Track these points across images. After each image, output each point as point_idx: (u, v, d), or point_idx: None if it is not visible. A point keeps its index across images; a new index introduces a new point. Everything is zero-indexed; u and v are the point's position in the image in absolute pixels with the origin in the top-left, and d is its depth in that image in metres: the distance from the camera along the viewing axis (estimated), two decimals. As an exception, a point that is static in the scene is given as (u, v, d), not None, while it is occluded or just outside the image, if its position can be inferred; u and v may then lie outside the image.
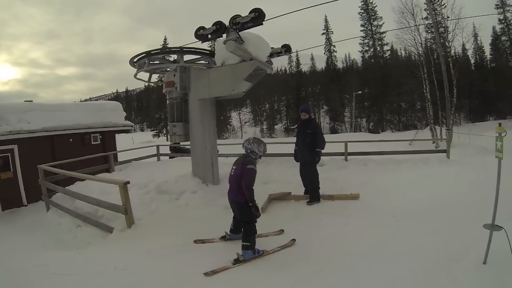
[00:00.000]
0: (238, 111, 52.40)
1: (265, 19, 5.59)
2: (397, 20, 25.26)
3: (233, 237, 4.35)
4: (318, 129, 6.25)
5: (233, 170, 4.04)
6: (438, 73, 21.38)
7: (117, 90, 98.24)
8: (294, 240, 4.22)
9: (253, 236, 3.91)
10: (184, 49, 7.05)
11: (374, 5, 43.79)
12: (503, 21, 36.68)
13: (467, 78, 31.19)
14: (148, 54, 7.04)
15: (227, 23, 5.86)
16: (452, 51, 27.36)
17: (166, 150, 14.30)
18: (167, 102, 7.53)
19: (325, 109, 49.41)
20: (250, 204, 3.81)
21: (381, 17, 43.86)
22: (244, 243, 3.83)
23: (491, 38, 40.45)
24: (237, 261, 3.75)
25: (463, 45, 33.83)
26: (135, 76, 7.86)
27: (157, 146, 13.21)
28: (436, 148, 17.60)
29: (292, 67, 53.80)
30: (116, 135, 12.93)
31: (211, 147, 7.15)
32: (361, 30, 45.07)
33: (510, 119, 33.62)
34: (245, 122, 50.80)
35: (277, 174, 8.17)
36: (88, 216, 5.91)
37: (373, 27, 44.34)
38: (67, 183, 7.43)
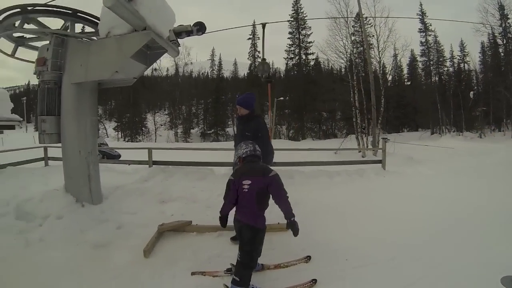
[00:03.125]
0: (154, 113, 49.58)
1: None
2: (329, 25, 25.13)
3: None
4: (261, 131, 4.27)
5: (247, 185, 2.96)
6: (365, 83, 21.46)
7: (29, 82, 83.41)
8: (315, 280, 3.02)
9: (249, 271, 2.93)
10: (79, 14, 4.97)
11: (305, 15, 44.16)
12: (424, 43, 40.11)
13: (388, 93, 32.71)
14: (24, 10, 4.83)
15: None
16: (379, 66, 27.95)
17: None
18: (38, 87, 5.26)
19: (244, 115, 49.21)
20: (292, 219, 2.89)
21: (310, 27, 44.42)
22: (235, 277, 2.88)
23: (409, 59, 44.46)
24: None
25: (383, 64, 35.77)
26: None
27: (45, 148, 10.47)
28: (363, 157, 17.30)
29: (214, 71, 53.19)
30: (14, 133, 10.11)
31: (87, 152, 5.05)
32: (288, 38, 45.35)
33: (422, 131, 36.77)
34: (161, 125, 47.88)
35: (180, 189, 6.26)
36: None
37: (300, 36, 44.62)
38: None
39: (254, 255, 2.96)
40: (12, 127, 11.47)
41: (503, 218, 4.26)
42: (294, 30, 44.88)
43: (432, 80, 39.82)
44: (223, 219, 3.12)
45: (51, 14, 5.09)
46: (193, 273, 3.24)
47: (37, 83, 5.30)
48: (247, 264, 2.90)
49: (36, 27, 5.19)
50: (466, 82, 38.21)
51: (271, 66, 55.53)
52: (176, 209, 5.26)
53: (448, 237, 3.77)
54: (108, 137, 42.60)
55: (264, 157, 3.36)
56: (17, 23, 5.06)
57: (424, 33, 39.64)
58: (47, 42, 5.11)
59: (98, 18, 5.15)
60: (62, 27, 5.23)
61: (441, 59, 39.93)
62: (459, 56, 39.93)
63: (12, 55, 5.71)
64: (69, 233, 4.24)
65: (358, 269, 3.15)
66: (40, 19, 5.23)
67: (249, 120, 4.36)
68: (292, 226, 2.89)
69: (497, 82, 30.36)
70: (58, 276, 3.26)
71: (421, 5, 38.80)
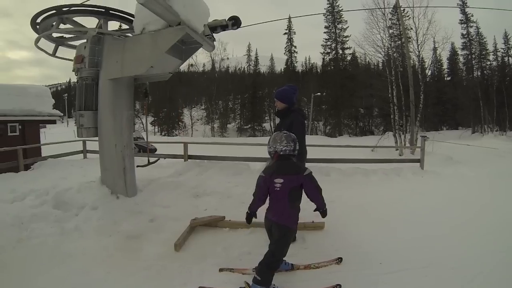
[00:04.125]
0: (191, 108, 50.29)
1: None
2: (366, 18, 24.33)
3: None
4: (295, 127, 3.68)
5: (279, 184, 2.87)
6: (404, 78, 20.63)
7: (70, 79, 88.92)
8: (339, 286, 2.89)
9: (271, 271, 2.84)
10: (111, 11, 5.06)
11: (340, 8, 42.94)
12: (466, 36, 37.66)
13: (427, 89, 31.22)
14: (59, 11, 5.03)
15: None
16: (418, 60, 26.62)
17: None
18: (77, 83, 5.51)
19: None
20: (325, 209, 2.99)
21: (346, 21, 43.36)
22: (257, 276, 2.80)
23: (449, 53, 42.14)
24: None
25: (422, 58, 34.16)
26: (36, 43, 5.71)
27: (84, 141, 10.94)
28: (400, 156, 16.74)
29: (251, 66, 53.46)
30: (56, 127, 10.79)
31: (123, 146, 5.19)
32: (324, 32, 44.51)
33: (462, 129, 34.75)
34: (197, 120, 48.54)
35: (215, 183, 6.35)
36: None
37: (337, 30, 43.69)
38: None
39: (278, 256, 2.87)
40: (53, 122, 12.18)
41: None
42: (330, 24, 43.90)
43: (474, 75, 37.25)
44: (250, 215, 3.08)
45: (85, 13, 5.29)
46: (221, 270, 3.22)
47: (76, 80, 5.51)
48: (269, 264, 2.82)
49: (72, 27, 5.42)
50: (510, 77, 35.62)
51: (307, 60, 55.13)
52: (209, 204, 5.29)
53: (487, 246, 3.52)
54: (144, 131, 43.78)
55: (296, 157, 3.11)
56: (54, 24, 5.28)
57: (465, 25, 37.24)
58: (85, 40, 5.32)
59: (131, 15, 5.29)
60: (97, 25, 5.40)
61: (483, 53, 37.19)
62: (503, 49, 37.29)
63: (53, 54, 5.97)
64: (103, 223, 4.39)
65: (390, 275, 2.98)
66: (77, 19, 5.43)
67: (285, 116, 3.96)
68: (322, 212, 2.99)
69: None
70: (90, 264, 3.36)
71: (461, -7, 36.01)
